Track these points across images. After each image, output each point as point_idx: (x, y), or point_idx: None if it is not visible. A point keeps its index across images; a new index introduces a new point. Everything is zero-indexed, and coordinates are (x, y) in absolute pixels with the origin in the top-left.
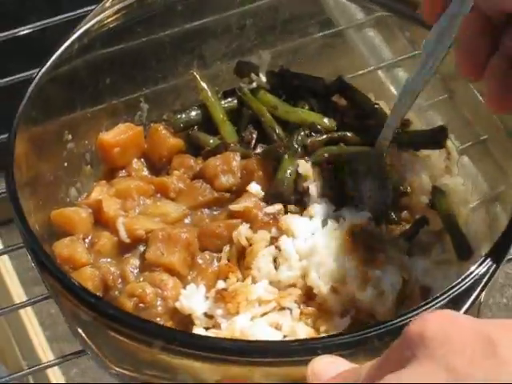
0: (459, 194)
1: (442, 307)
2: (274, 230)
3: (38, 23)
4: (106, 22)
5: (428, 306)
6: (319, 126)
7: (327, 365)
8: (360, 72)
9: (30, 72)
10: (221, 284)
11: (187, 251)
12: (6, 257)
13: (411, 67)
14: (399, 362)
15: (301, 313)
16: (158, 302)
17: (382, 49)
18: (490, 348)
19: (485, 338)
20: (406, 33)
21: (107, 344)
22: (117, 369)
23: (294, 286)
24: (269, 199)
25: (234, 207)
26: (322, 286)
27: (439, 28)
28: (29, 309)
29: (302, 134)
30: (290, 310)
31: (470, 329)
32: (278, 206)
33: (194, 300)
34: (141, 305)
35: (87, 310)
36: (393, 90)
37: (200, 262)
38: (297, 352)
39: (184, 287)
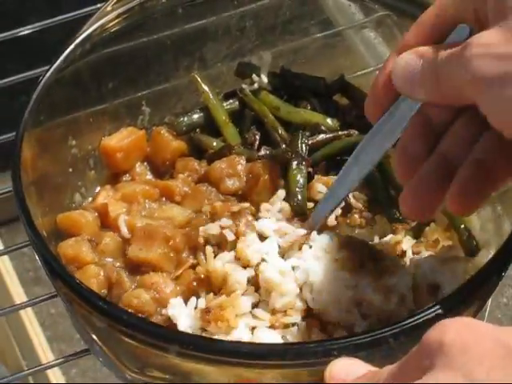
0: None
1: (453, 305)
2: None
3: (38, 24)
4: (107, 26)
5: (441, 305)
6: (323, 127)
7: (345, 368)
8: (359, 72)
9: (30, 73)
10: (200, 303)
11: (168, 246)
12: (5, 257)
13: None
14: (419, 370)
15: (307, 324)
16: (157, 309)
17: (382, 49)
18: (509, 357)
19: (504, 347)
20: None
21: (121, 349)
22: (132, 374)
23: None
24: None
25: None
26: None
27: (378, 127)
28: (29, 309)
29: (307, 134)
30: (296, 324)
31: (489, 337)
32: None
33: (183, 319)
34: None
35: (101, 317)
36: None
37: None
38: (313, 354)
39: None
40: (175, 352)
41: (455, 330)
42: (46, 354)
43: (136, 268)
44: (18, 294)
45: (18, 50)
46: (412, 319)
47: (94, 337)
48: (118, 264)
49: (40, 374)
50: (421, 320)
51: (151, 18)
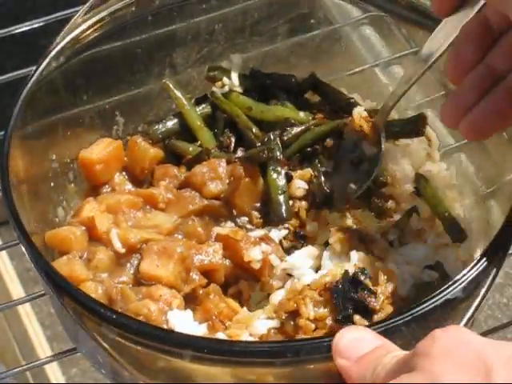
0: (443, 179)
1: (454, 300)
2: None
3: (35, 21)
4: (79, 37)
5: (441, 295)
6: (293, 120)
7: (352, 342)
8: (357, 69)
9: (26, 70)
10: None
11: (182, 265)
12: (6, 256)
13: (408, 64)
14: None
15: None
16: (163, 318)
17: (379, 46)
18: (481, 370)
19: (481, 361)
20: (402, 30)
21: (131, 356)
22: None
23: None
24: (271, 222)
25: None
26: None
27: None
28: (29, 308)
29: (278, 132)
30: None
31: (472, 349)
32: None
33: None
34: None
35: (112, 327)
36: (390, 87)
37: (195, 277)
38: (318, 349)
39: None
40: (190, 356)
41: (444, 340)
42: (45, 353)
43: (139, 280)
44: (18, 294)
45: (13, 47)
46: (421, 307)
47: (106, 345)
48: (116, 279)
49: (40, 373)
50: (432, 306)
51: (122, 27)
